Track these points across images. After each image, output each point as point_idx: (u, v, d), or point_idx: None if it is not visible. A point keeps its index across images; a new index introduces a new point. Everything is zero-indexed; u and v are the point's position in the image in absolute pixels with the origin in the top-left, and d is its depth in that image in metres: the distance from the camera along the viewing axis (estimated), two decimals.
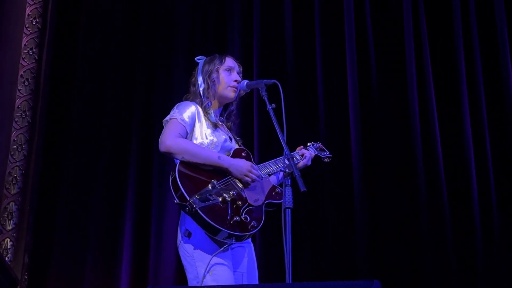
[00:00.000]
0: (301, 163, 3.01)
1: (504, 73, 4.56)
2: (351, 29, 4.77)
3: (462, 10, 4.73)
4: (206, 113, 2.84)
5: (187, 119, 2.74)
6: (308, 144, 3.20)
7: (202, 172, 2.65)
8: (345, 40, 4.75)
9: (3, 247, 4.20)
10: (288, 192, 2.42)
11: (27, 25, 4.67)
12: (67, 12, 4.98)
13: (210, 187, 2.58)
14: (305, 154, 3.04)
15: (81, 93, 4.84)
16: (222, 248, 2.56)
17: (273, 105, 2.71)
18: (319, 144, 3.26)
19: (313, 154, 3.12)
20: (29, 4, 4.72)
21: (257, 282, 2.79)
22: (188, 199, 2.51)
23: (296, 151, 3.07)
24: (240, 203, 2.63)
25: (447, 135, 4.55)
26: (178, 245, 2.70)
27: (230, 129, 2.99)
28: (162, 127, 2.84)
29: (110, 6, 5.04)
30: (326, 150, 3.28)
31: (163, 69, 4.93)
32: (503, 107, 4.53)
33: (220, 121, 2.94)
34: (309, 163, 3.05)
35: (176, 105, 2.84)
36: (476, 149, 4.47)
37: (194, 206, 2.49)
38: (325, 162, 3.26)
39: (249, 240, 2.81)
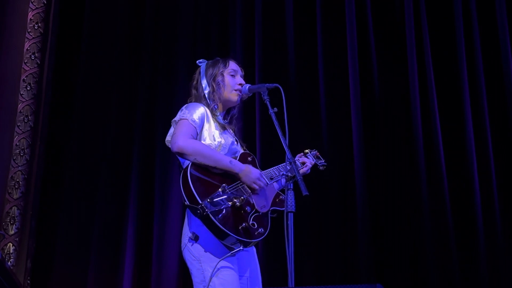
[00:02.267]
0: (300, 172, 2.98)
1: (505, 69, 4.57)
2: (353, 32, 4.77)
3: (463, 8, 4.74)
4: (213, 114, 2.84)
5: (197, 120, 2.73)
6: (307, 151, 3.17)
7: (213, 175, 2.65)
8: (347, 43, 4.76)
9: (5, 251, 4.20)
10: (290, 196, 2.40)
11: (29, 30, 4.69)
12: (69, 17, 4.99)
13: (220, 191, 2.58)
14: (306, 163, 3.02)
15: (84, 98, 4.85)
16: (230, 253, 2.55)
17: (275, 109, 2.70)
18: (315, 152, 3.23)
19: (313, 162, 3.09)
20: (31, 9, 4.73)
21: (261, 287, 2.78)
22: (200, 202, 2.50)
23: (297, 158, 3.03)
24: (248, 209, 2.63)
25: (449, 136, 4.55)
26: (183, 249, 2.68)
27: (234, 132, 2.99)
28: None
29: (113, 10, 5.05)
30: (321, 158, 3.23)
31: (165, 72, 4.93)
32: (505, 106, 4.54)
33: (225, 123, 2.95)
34: (309, 171, 3.03)
35: (185, 106, 2.81)
36: (478, 149, 4.46)
37: (206, 210, 2.48)
38: (320, 170, 3.24)
39: None
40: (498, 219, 4.30)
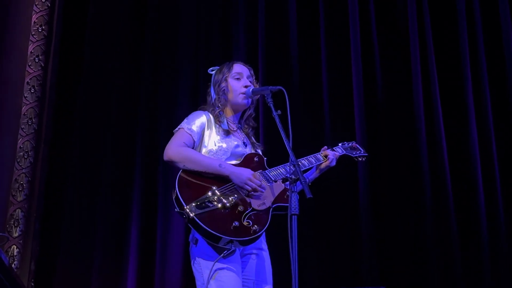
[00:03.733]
0: (323, 165, 2.99)
1: (508, 71, 4.57)
2: (356, 34, 4.78)
3: (466, 9, 4.75)
4: (218, 120, 2.85)
5: (194, 129, 2.77)
6: (339, 144, 3.16)
7: (204, 179, 2.66)
8: (350, 45, 4.77)
9: (9, 254, 4.20)
10: (294, 198, 2.40)
11: (33, 33, 4.69)
12: (73, 20, 4.99)
13: (209, 194, 2.59)
14: (329, 156, 3.01)
15: (87, 100, 4.85)
16: (222, 254, 2.56)
17: (279, 112, 2.70)
18: (351, 143, 3.20)
19: (338, 154, 3.06)
20: (35, 11, 4.74)
21: None
22: (185, 206, 2.51)
23: (320, 151, 3.03)
24: (242, 208, 2.62)
25: (453, 137, 4.56)
26: (189, 252, 2.71)
27: (248, 135, 2.99)
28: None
29: (116, 13, 5.05)
30: (360, 148, 3.21)
31: (166, 73, 4.93)
32: (509, 108, 4.55)
33: (237, 127, 2.95)
34: (333, 164, 3.01)
35: (188, 116, 2.86)
36: (482, 150, 4.48)
37: (191, 213, 2.49)
38: (359, 161, 3.20)
39: (264, 247, 2.81)
40: (502, 221, 4.31)
